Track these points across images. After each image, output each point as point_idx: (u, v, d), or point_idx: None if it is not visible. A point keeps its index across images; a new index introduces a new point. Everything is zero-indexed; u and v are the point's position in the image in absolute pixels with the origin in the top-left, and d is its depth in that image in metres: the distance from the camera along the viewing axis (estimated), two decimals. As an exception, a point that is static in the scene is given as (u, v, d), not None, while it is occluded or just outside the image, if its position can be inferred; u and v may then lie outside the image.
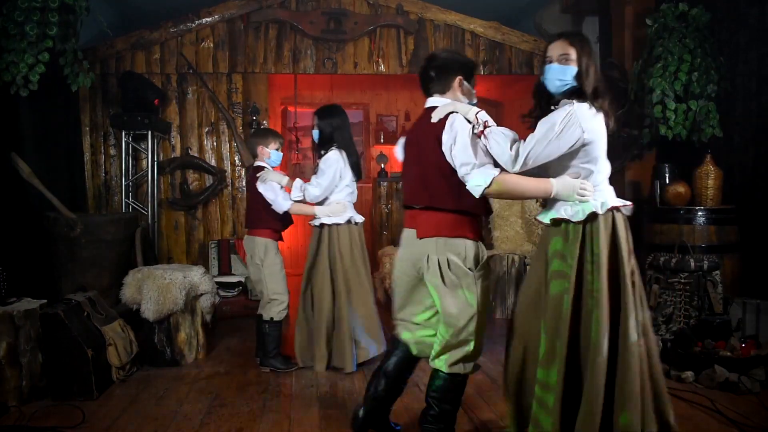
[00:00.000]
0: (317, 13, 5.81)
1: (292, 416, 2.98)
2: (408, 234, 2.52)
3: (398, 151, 2.67)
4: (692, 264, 3.83)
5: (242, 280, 5.38)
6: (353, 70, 6.00)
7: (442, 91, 2.46)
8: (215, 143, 5.90)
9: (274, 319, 3.69)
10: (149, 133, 5.51)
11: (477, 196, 2.28)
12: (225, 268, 5.64)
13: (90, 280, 4.18)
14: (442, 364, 2.43)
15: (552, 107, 2.30)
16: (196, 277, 3.94)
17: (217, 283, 4.63)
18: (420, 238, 2.43)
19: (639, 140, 4.64)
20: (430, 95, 2.50)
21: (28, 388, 3.15)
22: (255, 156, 3.83)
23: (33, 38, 3.97)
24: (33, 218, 4.32)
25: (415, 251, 2.46)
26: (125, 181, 5.61)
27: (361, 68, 5.99)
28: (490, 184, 2.21)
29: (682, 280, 3.87)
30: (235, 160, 5.92)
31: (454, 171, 2.32)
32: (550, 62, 2.29)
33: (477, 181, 2.23)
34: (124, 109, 5.43)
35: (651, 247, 4.18)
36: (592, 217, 2.22)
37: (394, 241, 4.66)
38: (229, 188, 5.93)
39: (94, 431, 2.82)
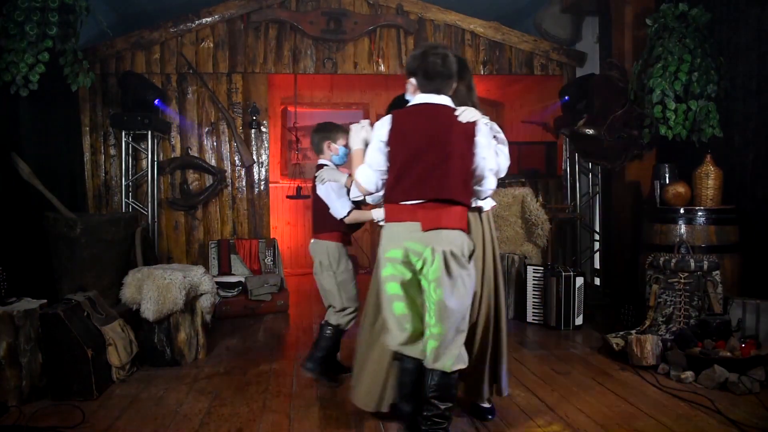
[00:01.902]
0: (317, 13, 5.81)
1: (292, 416, 2.98)
2: (403, 227, 2.43)
3: (380, 138, 2.51)
4: (692, 264, 3.83)
5: (242, 280, 5.38)
6: (353, 70, 6.00)
7: (449, 93, 2.53)
8: (215, 143, 5.90)
9: (342, 328, 3.41)
10: (149, 133, 5.52)
11: (483, 198, 2.62)
12: (225, 268, 5.64)
13: (90, 280, 4.17)
14: (447, 364, 2.40)
15: None
16: (196, 277, 3.94)
17: (217, 283, 4.63)
18: (425, 230, 2.38)
19: (639, 140, 4.64)
20: (436, 92, 2.50)
21: (28, 388, 3.15)
22: (320, 153, 3.46)
23: (33, 38, 3.98)
24: (33, 218, 4.32)
25: (414, 244, 2.39)
26: (125, 181, 5.61)
27: (361, 68, 5.99)
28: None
29: (682, 280, 3.87)
30: (235, 160, 5.92)
31: (471, 171, 2.46)
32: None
33: (492, 184, 2.55)
34: (124, 109, 5.43)
35: (651, 247, 4.18)
36: None
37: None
38: (229, 188, 5.93)
39: (94, 431, 2.82)
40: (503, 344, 2.85)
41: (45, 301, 3.40)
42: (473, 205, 2.64)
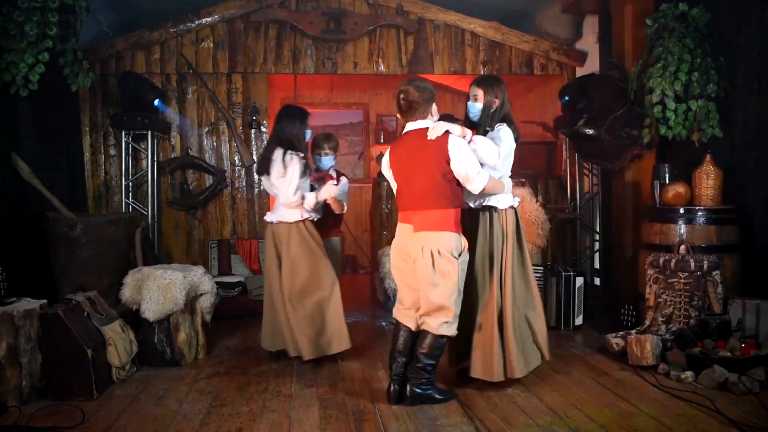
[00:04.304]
0: (317, 13, 5.81)
1: (292, 416, 2.98)
2: (405, 228, 3.11)
3: (385, 165, 3.22)
4: (692, 264, 3.83)
5: (242, 280, 5.38)
6: (353, 70, 6.00)
7: (425, 116, 3.07)
8: (215, 143, 5.90)
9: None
10: (149, 133, 5.51)
11: (477, 193, 3.08)
12: (225, 268, 5.64)
13: (90, 280, 4.18)
14: (434, 326, 3.02)
15: (487, 128, 3.24)
16: (196, 277, 3.94)
17: (217, 283, 4.62)
18: (416, 232, 3.03)
19: (639, 140, 4.64)
20: (413, 120, 3.07)
21: (28, 388, 3.15)
22: None
23: (33, 38, 3.97)
24: (33, 218, 4.32)
25: (411, 242, 3.05)
26: (125, 181, 5.61)
27: (361, 68, 5.99)
28: (488, 182, 3.05)
29: (682, 280, 3.87)
30: (235, 160, 5.92)
31: (450, 177, 3.00)
32: (468, 100, 3.32)
33: (482, 181, 3.01)
34: (123, 109, 5.43)
35: (651, 247, 4.18)
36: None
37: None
38: (229, 188, 5.92)
39: (94, 431, 2.83)
40: (509, 328, 3.21)
41: (45, 301, 3.40)
42: (479, 204, 3.25)
